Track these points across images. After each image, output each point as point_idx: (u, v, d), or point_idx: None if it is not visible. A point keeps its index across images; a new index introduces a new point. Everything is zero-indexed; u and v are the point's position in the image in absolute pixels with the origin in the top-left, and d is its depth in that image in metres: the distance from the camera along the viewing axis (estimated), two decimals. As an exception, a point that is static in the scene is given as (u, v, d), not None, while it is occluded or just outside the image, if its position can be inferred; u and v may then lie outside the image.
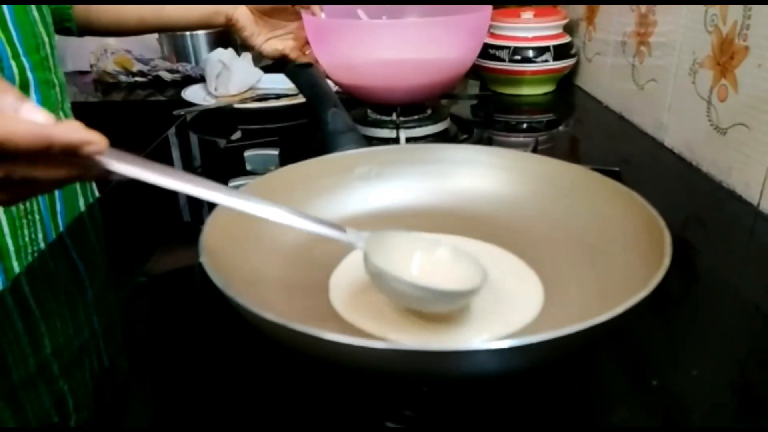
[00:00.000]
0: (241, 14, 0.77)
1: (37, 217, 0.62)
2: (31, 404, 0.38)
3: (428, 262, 0.41)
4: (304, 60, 0.78)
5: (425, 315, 0.40)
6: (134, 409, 0.39)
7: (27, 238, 0.60)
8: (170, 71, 1.33)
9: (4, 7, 0.58)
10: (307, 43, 0.80)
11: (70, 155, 0.33)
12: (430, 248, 0.41)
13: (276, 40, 0.79)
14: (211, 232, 0.40)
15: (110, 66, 1.33)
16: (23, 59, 0.60)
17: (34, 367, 0.41)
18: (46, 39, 0.64)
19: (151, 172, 0.35)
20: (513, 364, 0.32)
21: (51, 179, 0.34)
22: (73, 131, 0.33)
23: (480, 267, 0.40)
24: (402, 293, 0.38)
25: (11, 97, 0.33)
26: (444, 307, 0.39)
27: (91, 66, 1.36)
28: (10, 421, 0.37)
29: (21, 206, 0.59)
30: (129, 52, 1.35)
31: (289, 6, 0.78)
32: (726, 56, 0.63)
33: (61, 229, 0.66)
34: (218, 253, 0.39)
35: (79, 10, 0.75)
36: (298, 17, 0.79)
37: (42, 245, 0.62)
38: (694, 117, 0.70)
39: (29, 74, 0.61)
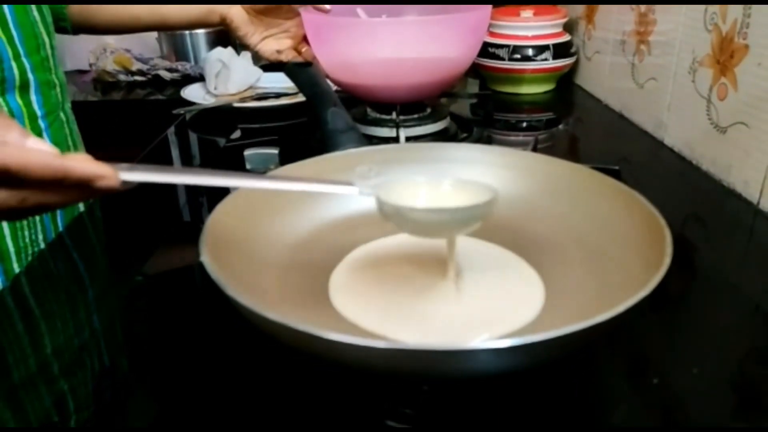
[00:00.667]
0: (236, 13, 0.76)
1: (37, 218, 0.62)
2: (31, 404, 0.38)
3: (436, 192, 0.43)
4: (301, 59, 0.78)
5: (424, 313, 0.40)
6: (135, 409, 0.39)
7: (27, 240, 0.60)
8: (169, 70, 1.33)
9: (5, 7, 0.58)
10: (303, 41, 0.80)
11: (82, 186, 0.34)
12: (434, 184, 0.43)
13: (271, 40, 0.79)
14: (211, 231, 0.40)
15: (110, 65, 1.32)
16: (24, 60, 0.60)
17: (34, 366, 0.41)
18: (46, 39, 0.64)
19: (159, 173, 0.36)
20: (513, 363, 0.32)
21: (63, 203, 0.34)
22: (87, 166, 0.33)
23: (487, 187, 0.41)
24: (420, 222, 0.40)
25: (16, 131, 0.34)
26: (464, 224, 0.40)
27: (91, 65, 1.36)
28: (11, 422, 0.37)
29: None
30: (128, 51, 1.35)
31: (284, 5, 0.78)
32: (726, 55, 0.63)
33: (61, 230, 0.66)
34: (218, 252, 0.39)
35: (74, 9, 0.74)
36: (294, 15, 0.79)
37: (42, 246, 0.62)
38: (693, 116, 0.70)
39: (30, 75, 0.61)
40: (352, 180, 0.41)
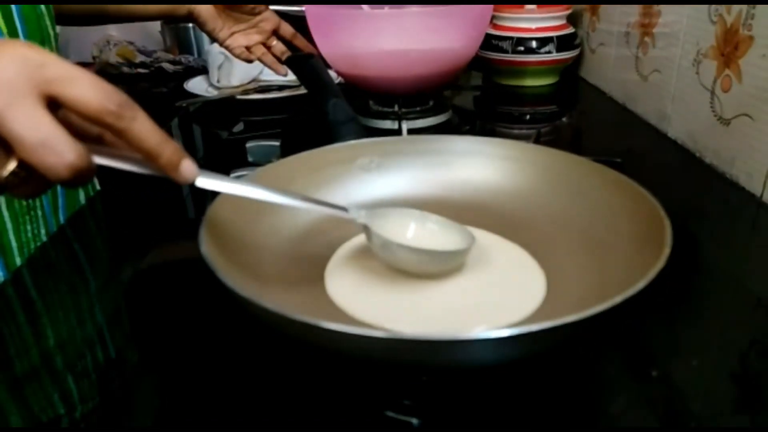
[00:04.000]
0: (203, 8, 0.76)
1: (39, 213, 0.62)
2: (35, 396, 0.38)
3: (422, 231, 0.46)
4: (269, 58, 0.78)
5: (424, 304, 0.40)
6: (139, 400, 0.39)
7: (30, 234, 0.60)
8: (172, 63, 1.33)
9: None
10: (272, 36, 0.80)
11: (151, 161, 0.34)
12: (421, 220, 0.46)
13: (240, 35, 0.79)
14: (211, 223, 0.40)
15: (113, 57, 1.32)
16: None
17: (37, 358, 0.42)
18: (51, 33, 0.64)
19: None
20: (512, 353, 0.32)
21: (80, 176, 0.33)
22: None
23: (467, 232, 0.45)
24: (403, 258, 0.43)
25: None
26: (441, 267, 0.43)
27: (94, 57, 1.36)
28: (15, 414, 0.37)
29: (24, 202, 0.59)
30: (131, 43, 1.35)
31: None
32: (730, 46, 0.63)
33: (63, 223, 0.66)
34: (218, 244, 0.39)
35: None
36: (262, 11, 0.78)
37: (45, 240, 0.62)
38: (697, 108, 0.69)
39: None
40: (347, 208, 0.43)
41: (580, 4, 1.06)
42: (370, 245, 0.44)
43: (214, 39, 0.79)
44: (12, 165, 0.31)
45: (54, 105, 0.31)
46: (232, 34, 0.78)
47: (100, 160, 0.34)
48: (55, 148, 0.31)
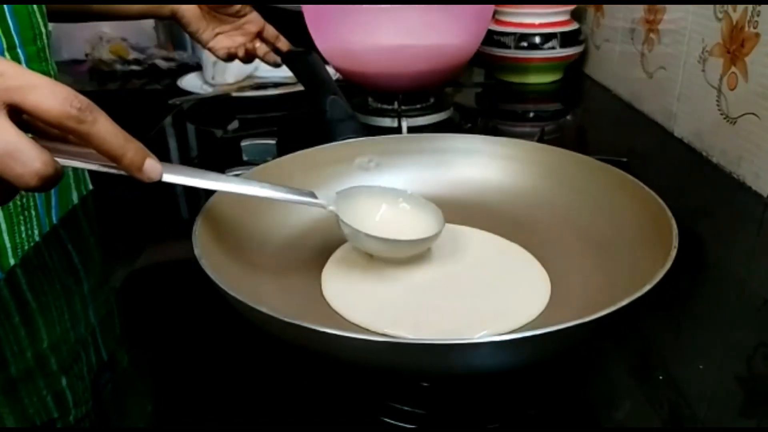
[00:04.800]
0: (187, 9, 0.76)
1: (33, 213, 0.62)
2: (29, 398, 0.39)
3: (393, 212, 0.47)
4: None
5: (425, 307, 0.41)
6: (131, 402, 0.39)
7: (24, 235, 0.61)
8: (166, 59, 1.33)
9: None
10: (255, 38, 0.80)
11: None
12: (393, 200, 0.47)
13: (223, 37, 0.79)
14: (204, 224, 0.40)
15: (105, 54, 1.33)
16: (19, 51, 0.60)
17: (32, 360, 0.42)
18: (43, 30, 0.64)
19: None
20: (516, 359, 0.32)
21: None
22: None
23: (438, 212, 0.46)
24: (371, 246, 0.44)
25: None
26: (408, 253, 0.45)
27: (87, 55, 1.36)
28: (9, 417, 0.37)
29: (18, 202, 0.59)
30: (125, 40, 1.35)
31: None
32: (736, 44, 0.63)
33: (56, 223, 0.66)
34: (211, 245, 0.39)
35: None
36: (246, 12, 0.79)
37: (38, 240, 0.62)
38: (703, 106, 0.70)
39: (24, 66, 0.61)
40: (315, 195, 0.44)
41: (583, 4, 1.06)
42: (342, 232, 0.44)
43: (197, 40, 0.79)
44: None
45: (15, 112, 0.32)
46: (216, 35, 0.78)
47: (65, 161, 0.34)
48: (21, 157, 0.32)
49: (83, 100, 0.33)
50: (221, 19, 0.78)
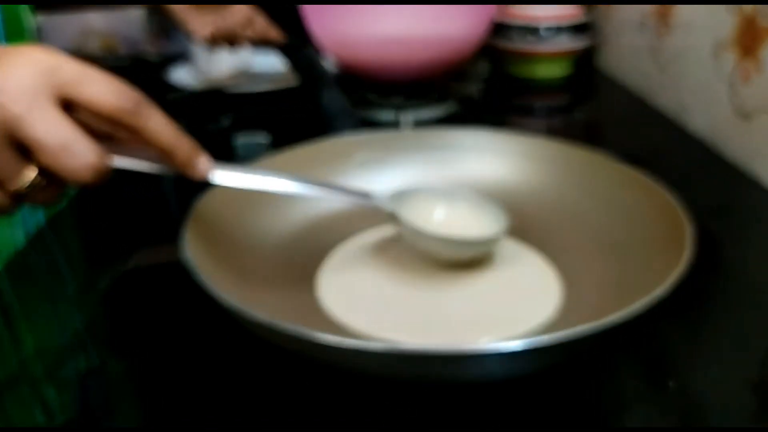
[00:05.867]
0: None
1: (18, 216, 0.62)
2: (13, 405, 0.39)
3: (452, 213, 0.46)
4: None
5: (427, 312, 0.40)
6: (119, 409, 0.39)
7: (9, 237, 0.60)
8: (157, 53, 1.33)
9: None
10: (245, 24, 0.80)
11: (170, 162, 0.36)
12: (449, 201, 0.47)
13: (210, 26, 0.80)
14: (194, 225, 0.40)
15: (96, 48, 1.33)
16: (4, 44, 0.60)
17: (16, 366, 0.42)
18: (29, 23, 0.64)
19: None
20: (523, 368, 0.32)
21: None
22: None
23: (500, 211, 0.45)
24: (435, 247, 0.44)
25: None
26: (473, 253, 0.44)
27: (76, 48, 1.36)
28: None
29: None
30: (114, 33, 1.35)
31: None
32: (749, 37, 0.63)
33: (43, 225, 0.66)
34: (203, 248, 0.39)
35: None
36: (231, 3, 0.79)
37: (24, 243, 0.62)
38: (716, 100, 0.69)
39: None
40: (369, 189, 0.44)
41: (589, 4, 1.06)
42: (400, 235, 0.45)
43: (184, 29, 0.80)
44: (32, 173, 0.33)
45: (68, 106, 0.33)
46: (204, 25, 0.79)
47: (114, 161, 0.35)
48: (76, 150, 0.32)
49: (137, 95, 0.34)
50: (207, 10, 0.79)
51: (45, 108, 0.31)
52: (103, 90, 0.33)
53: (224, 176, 0.38)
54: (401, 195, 0.45)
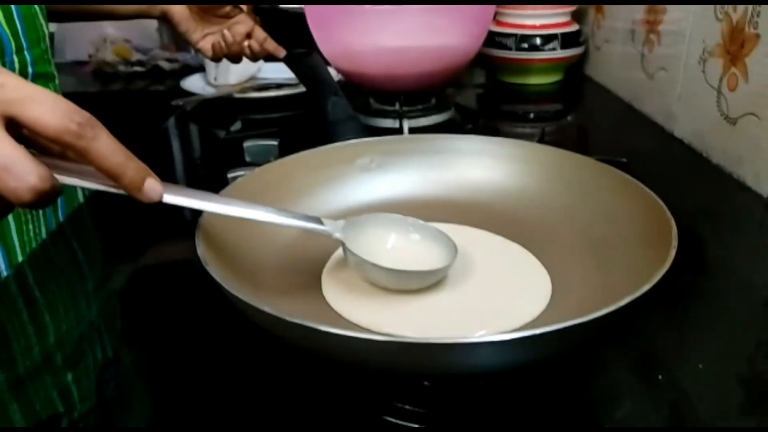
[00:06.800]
0: (177, 10, 0.77)
1: (40, 211, 0.62)
2: (36, 394, 0.39)
3: (403, 242, 0.45)
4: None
5: (425, 307, 0.41)
6: (135, 400, 0.40)
7: (32, 234, 0.61)
8: (169, 60, 1.33)
9: None
10: (245, 39, 0.80)
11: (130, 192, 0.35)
12: (403, 230, 0.45)
13: (212, 38, 0.80)
14: (207, 225, 0.40)
15: (109, 56, 1.33)
16: (26, 53, 0.60)
17: (38, 356, 0.42)
18: (46, 31, 0.64)
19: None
20: (516, 358, 0.32)
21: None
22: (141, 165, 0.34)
23: (451, 242, 0.44)
24: (379, 277, 0.42)
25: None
26: (418, 285, 0.42)
27: (90, 56, 1.36)
28: (17, 412, 0.37)
29: None
30: (128, 41, 1.36)
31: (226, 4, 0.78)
32: (736, 45, 0.63)
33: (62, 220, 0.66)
34: (215, 246, 0.39)
35: None
36: (235, 14, 0.79)
37: (45, 238, 0.63)
38: (703, 106, 0.69)
39: (30, 68, 0.61)
40: (322, 221, 0.42)
41: (584, 4, 1.06)
42: (346, 261, 0.42)
43: (187, 41, 0.80)
44: None
45: (14, 125, 0.31)
46: (205, 36, 0.79)
47: (64, 179, 0.33)
48: (16, 171, 0.30)
49: (84, 115, 0.32)
50: (210, 21, 0.79)
51: None
52: (47, 110, 0.31)
53: (173, 199, 0.36)
54: (354, 223, 0.43)
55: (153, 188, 0.35)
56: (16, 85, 0.31)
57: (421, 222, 0.45)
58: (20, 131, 0.32)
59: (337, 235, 0.41)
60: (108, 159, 0.33)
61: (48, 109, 0.31)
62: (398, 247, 0.44)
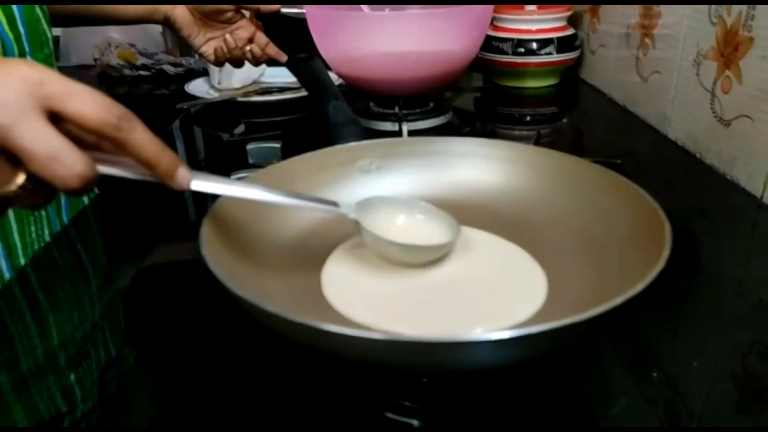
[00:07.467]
0: (179, 14, 0.77)
1: (43, 213, 0.62)
2: (40, 394, 0.39)
3: (410, 221, 0.47)
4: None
5: (423, 305, 0.40)
6: (137, 399, 0.39)
7: (34, 235, 0.61)
8: (174, 65, 1.33)
9: (14, 5, 0.58)
10: (247, 44, 0.80)
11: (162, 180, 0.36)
12: (410, 210, 0.48)
13: (215, 42, 0.80)
14: (211, 226, 0.40)
15: (114, 60, 1.33)
16: (29, 58, 0.60)
17: (42, 356, 0.42)
18: (49, 35, 0.64)
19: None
20: (512, 356, 0.32)
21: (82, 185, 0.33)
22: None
23: (453, 221, 0.47)
24: (392, 252, 0.44)
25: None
26: (428, 258, 0.45)
27: (95, 60, 1.36)
28: (20, 412, 0.37)
29: None
30: (133, 45, 1.35)
31: (230, 8, 0.78)
32: (730, 47, 0.63)
33: (66, 223, 0.66)
34: (218, 246, 0.39)
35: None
36: (237, 19, 0.79)
37: (48, 240, 0.63)
38: (697, 109, 0.69)
39: None
40: (338, 204, 0.44)
41: (580, 3, 1.06)
42: (362, 238, 0.45)
43: (189, 45, 0.80)
44: (21, 179, 0.32)
45: (55, 119, 0.32)
46: (208, 40, 0.79)
47: (100, 168, 0.34)
48: (64, 159, 0.32)
49: (122, 109, 0.33)
50: (212, 25, 0.79)
51: (33, 119, 0.31)
52: (88, 104, 0.32)
53: (202, 185, 0.38)
54: (365, 204, 0.45)
55: (184, 176, 0.36)
56: (57, 80, 0.32)
57: (423, 203, 0.48)
58: (59, 124, 0.33)
59: (353, 215, 0.44)
60: (145, 149, 0.34)
61: (89, 102, 0.32)
62: (407, 225, 0.47)
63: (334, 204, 0.44)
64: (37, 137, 0.31)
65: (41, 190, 0.33)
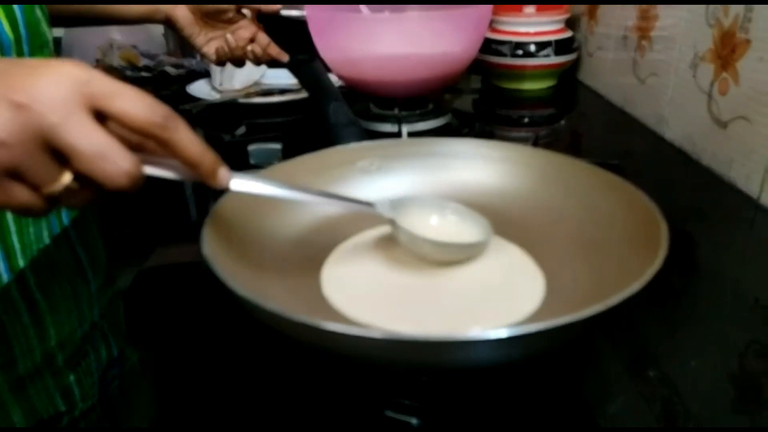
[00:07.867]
0: (181, 14, 0.77)
1: None
2: (38, 394, 0.38)
3: (443, 221, 0.47)
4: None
5: (422, 304, 0.40)
6: (138, 399, 0.39)
7: (32, 236, 0.60)
8: (175, 66, 1.33)
9: (16, 7, 0.58)
10: (248, 44, 0.80)
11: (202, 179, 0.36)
12: (441, 211, 0.48)
13: (216, 42, 0.79)
14: (212, 226, 0.40)
15: (116, 61, 1.32)
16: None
17: (39, 357, 0.42)
18: (49, 37, 0.64)
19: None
20: (510, 354, 0.32)
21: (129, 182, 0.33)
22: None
23: (484, 220, 0.47)
24: (429, 251, 0.44)
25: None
26: (463, 256, 0.45)
27: (97, 61, 1.36)
28: (18, 413, 0.37)
29: None
30: (135, 47, 1.35)
31: (231, 8, 0.78)
32: (727, 49, 0.63)
33: (66, 224, 0.66)
34: (219, 246, 0.39)
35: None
36: (238, 19, 0.79)
37: (47, 242, 0.62)
38: (695, 110, 0.69)
39: None
40: (371, 193, 0.46)
41: (578, 3, 1.06)
42: (396, 237, 0.45)
43: (191, 45, 0.80)
44: (67, 178, 0.32)
45: (101, 118, 0.32)
46: (209, 40, 0.79)
47: (146, 169, 0.35)
48: (113, 157, 0.32)
49: (166, 109, 0.33)
50: (213, 25, 0.79)
51: (80, 117, 0.31)
52: (135, 104, 0.32)
53: (241, 185, 0.38)
54: (399, 203, 0.45)
55: (225, 175, 0.37)
56: (103, 80, 0.32)
57: (456, 205, 0.48)
58: (104, 124, 0.33)
59: (389, 215, 0.44)
60: (189, 148, 0.34)
61: (135, 102, 0.32)
62: (440, 224, 0.47)
63: (369, 204, 0.44)
64: (85, 135, 0.31)
65: (87, 188, 0.33)
